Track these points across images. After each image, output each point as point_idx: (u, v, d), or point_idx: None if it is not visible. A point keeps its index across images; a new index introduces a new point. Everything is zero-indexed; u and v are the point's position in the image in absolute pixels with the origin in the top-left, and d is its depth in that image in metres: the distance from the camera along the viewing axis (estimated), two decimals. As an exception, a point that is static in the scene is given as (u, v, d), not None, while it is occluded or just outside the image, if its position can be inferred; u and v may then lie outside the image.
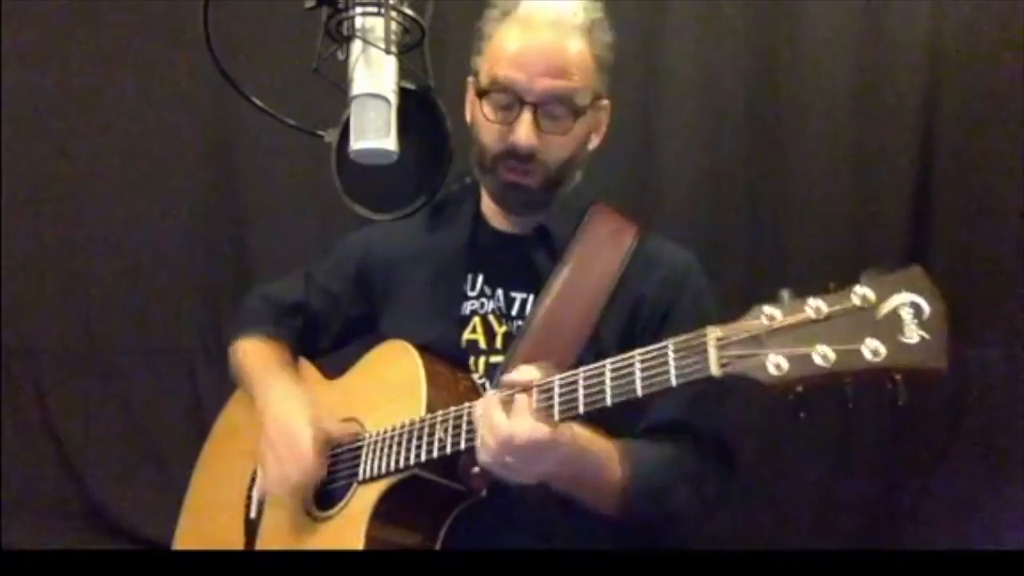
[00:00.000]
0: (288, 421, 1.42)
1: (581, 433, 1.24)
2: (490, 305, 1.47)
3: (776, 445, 2.18)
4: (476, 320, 1.47)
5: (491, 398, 1.19)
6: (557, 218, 1.48)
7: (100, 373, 2.54)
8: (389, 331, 1.51)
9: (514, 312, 1.45)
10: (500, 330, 1.45)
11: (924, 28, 2.12)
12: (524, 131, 1.36)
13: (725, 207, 2.24)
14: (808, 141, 2.20)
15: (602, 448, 1.28)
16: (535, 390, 1.17)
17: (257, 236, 2.51)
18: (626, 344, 1.35)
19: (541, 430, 1.13)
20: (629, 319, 1.41)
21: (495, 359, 1.44)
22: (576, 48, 1.39)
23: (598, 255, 1.44)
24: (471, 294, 1.49)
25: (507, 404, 1.17)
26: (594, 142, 1.50)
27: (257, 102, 1.37)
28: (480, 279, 1.49)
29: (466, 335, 1.46)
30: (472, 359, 1.45)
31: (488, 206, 1.53)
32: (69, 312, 2.56)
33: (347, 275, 1.63)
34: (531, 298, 1.44)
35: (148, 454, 2.50)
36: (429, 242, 1.56)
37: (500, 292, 1.47)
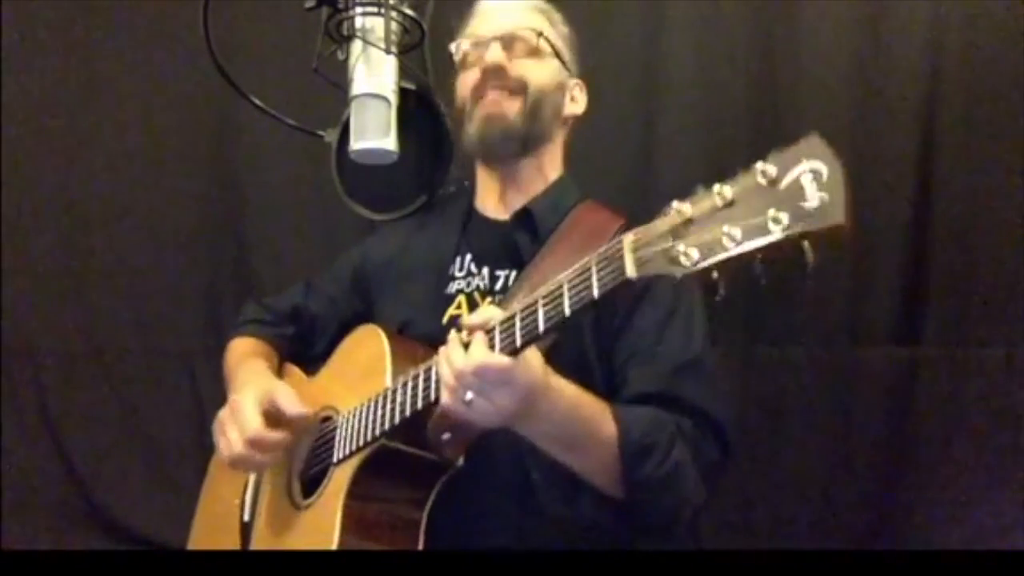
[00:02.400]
0: (237, 397, 1.43)
1: (568, 388, 1.23)
2: (476, 282, 1.49)
3: (776, 445, 2.18)
4: (461, 298, 1.48)
5: (452, 340, 1.17)
6: (543, 206, 1.51)
7: (100, 373, 2.54)
8: (379, 319, 1.53)
9: (497, 288, 1.47)
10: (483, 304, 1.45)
11: (924, 28, 2.12)
12: (493, 52, 1.47)
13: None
14: (808, 141, 2.19)
15: (592, 403, 1.27)
16: (497, 327, 1.13)
17: (257, 236, 2.50)
18: (601, 325, 1.38)
19: (496, 358, 1.11)
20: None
21: None
22: (535, 13, 1.55)
23: (582, 239, 1.43)
24: (458, 274, 1.51)
25: (467, 345, 1.16)
26: (569, 108, 1.58)
27: (257, 102, 1.37)
28: (468, 258, 1.52)
29: (449, 311, 1.47)
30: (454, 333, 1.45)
31: (481, 200, 1.58)
32: (69, 312, 2.55)
33: (344, 279, 1.68)
34: (513, 274, 1.46)
35: (148, 454, 2.50)
36: (422, 237, 1.60)
37: (486, 270, 1.50)
